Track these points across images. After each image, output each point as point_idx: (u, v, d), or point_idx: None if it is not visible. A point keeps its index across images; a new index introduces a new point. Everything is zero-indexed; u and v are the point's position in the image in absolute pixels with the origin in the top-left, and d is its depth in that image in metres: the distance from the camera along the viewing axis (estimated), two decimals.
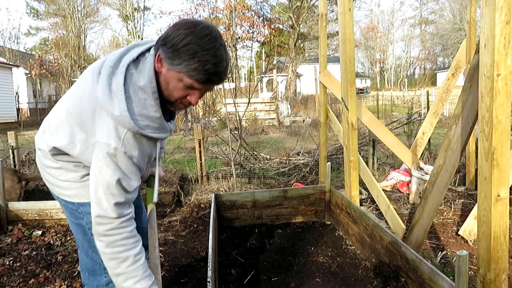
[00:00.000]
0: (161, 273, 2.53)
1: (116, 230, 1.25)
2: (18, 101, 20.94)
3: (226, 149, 5.83)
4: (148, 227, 1.56)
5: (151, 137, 1.28)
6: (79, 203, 1.42)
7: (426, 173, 3.82)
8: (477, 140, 2.00)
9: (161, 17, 48.46)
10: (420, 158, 4.29)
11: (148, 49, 1.29)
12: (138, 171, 1.30)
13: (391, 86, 49.70)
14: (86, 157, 1.29)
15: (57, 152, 1.35)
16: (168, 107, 1.33)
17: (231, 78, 6.99)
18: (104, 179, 1.21)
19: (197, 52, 1.14)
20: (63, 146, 1.31)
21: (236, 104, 5.39)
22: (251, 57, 31.12)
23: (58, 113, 1.35)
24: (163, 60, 1.20)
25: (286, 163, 5.82)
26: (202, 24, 1.18)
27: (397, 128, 7.51)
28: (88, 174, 1.34)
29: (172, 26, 1.20)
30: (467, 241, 2.96)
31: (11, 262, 2.72)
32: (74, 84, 1.38)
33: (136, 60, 1.26)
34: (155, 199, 1.55)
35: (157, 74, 1.25)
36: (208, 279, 1.67)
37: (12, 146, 5.09)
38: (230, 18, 26.77)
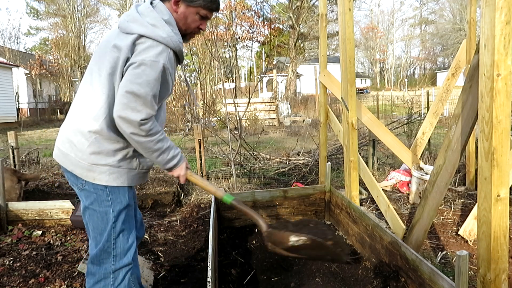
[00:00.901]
0: (161, 273, 2.54)
1: (155, 122, 1.51)
2: (18, 101, 20.94)
3: (226, 149, 5.83)
4: None
5: (180, 59, 1.61)
6: (111, 189, 1.56)
7: (426, 173, 3.82)
8: (477, 140, 2.00)
9: None
10: (420, 158, 4.29)
11: (150, 3, 1.57)
12: (171, 87, 1.59)
13: (391, 86, 49.70)
14: None
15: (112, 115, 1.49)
16: (183, 41, 1.65)
17: (231, 78, 6.99)
18: (152, 90, 1.44)
19: None
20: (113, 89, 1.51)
21: (236, 104, 5.39)
22: (251, 57, 31.13)
23: (87, 90, 1.53)
24: (181, 1, 1.57)
25: (286, 163, 5.82)
26: None
27: (397, 128, 7.51)
28: (123, 158, 1.57)
29: None
30: (467, 241, 2.96)
31: (11, 262, 2.72)
32: (89, 67, 1.57)
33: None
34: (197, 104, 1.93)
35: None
36: (208, 279, 1.67)
37: (12, 146, 5.09)
38: (230, 18, 26.76)
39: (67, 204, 3.44)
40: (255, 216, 1.68)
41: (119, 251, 1.61)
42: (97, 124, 1.49)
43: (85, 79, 1.57)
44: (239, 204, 1.69)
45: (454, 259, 2.67)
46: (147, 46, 1.45)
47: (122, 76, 1.46)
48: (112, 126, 1.51)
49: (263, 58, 28.19)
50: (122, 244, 1.62)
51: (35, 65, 23.94)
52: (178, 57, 1.59)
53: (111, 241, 1.59)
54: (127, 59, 1.45)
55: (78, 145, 1.53)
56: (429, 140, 5.15)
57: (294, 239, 1.62)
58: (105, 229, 1.58)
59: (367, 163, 5.24)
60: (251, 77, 24.89)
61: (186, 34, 1.64)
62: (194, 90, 12.96)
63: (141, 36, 1.46)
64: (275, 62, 28.80)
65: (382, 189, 3.56)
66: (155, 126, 1.49)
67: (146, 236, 3.09)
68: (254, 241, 2.89)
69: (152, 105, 1.45)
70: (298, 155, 6.45)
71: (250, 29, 30.23)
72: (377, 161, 5.48)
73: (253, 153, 6.21)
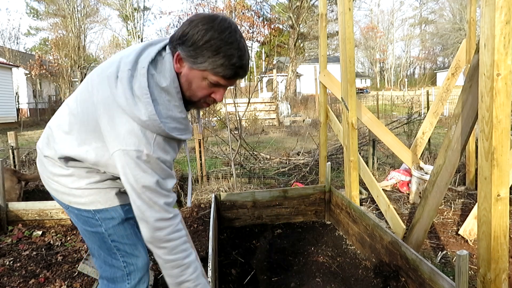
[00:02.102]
0: (161, 273, 2.54)
1: (176, 232, 1.22)
2: (18, 101, 20.94)
3: (226, 149, 5.83)
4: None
5: (179, 139, 1.24)
6: (96, 210, 1.35)
7: (426, 173, 3.81)
8: (477, 140, 2.00)
9: (161, 17, 48.54)
10: (420, 158, 4.29)
11: (163, 48, 1.23)
12: (171, 170, 1.26)
13: (391, 86, 49.69)
14: (103, 163, 1.25)
15: (69, 159, 1.29)
16: (190, 107, 1.30)
17: None
18: (145, 184, 1.16)
19: (221, 47, 1.12)
20: (76, 155, 1.26)
21: (236, 104, 5.39)
22: (251, 57, 31.07)
23: (64, 119, 1.29)
24: (183, 60, 1.17)
25: (286, 163, 5.82)
26: (220, 18, 1.15)
27: (397, 128, 7.51)
28: (102, 180, 1.34)
29: (188, 23, 1.15)
30: (467, 241, 2.96)
31: (11, 262, 2.72)
32: (80, 87, 1.30)
33: (154, 61, 1.20)
34: (189, 203, 1.49)
35: (177, 73, 1.21)
36: (208, 279, 1.67)
37: (12, 146, 5.08)
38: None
39: None
40: None
41: (132, 268, 1.45)
42: (56, 155, 1.29)
43: (69, 106, 1.30)
44: None
45: (454, 259, 2.67)
46: (128, 129, 1.13)
47: (95, 136, 1.21)
48: (70, 159, 1.29)
49: (263, 58, 28.18)
50: (134, 261, 1.45)
51: (35, 65, 23.94)
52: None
53: (118, 259, 1.42)
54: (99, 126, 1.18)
55: (47, 165, 1.35)
56: (429, 140, 5.15)
57: None
58: (107, 248, 1.41)
59: (367, 163, 5.24)
60: (251, 77, 24.90)
61: (194, 101, 1.26)
62: None
63: (123, 109, 1.13)
64: (275, 62, 28.80)
65: (382, 189, 3.56)
66: (176, 239, 1.23)
67: None
68: (254, 241, 2.89)
69: (157, 200, 1.18)
70: (298, 155, 6.45)
71: (250, 29, 30.20)
72: (377, 161, 5.48)
73: (253, 153, 6.22)
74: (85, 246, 2.98)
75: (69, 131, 1.26)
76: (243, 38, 1.18)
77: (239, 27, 1.23)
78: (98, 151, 1.23)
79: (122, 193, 1.40)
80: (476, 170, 2.73)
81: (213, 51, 1.12)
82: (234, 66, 1.15)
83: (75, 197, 1.34)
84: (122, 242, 1.41)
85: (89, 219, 1.37)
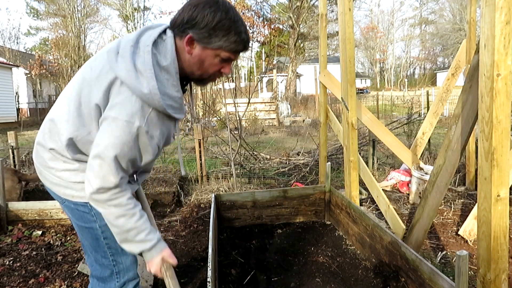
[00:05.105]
0: None
1: (121, 192, 1.25)
2: (18, 101, 20.94)
3: (226, 149, 5.83)
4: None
5: (172, 117, 1.29)
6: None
7: (426, 173, 3.82)
8: (477, 140, 2.00)
9: (161, 17, 48.32)
10: (420, 158, 4.29)
11: (163, 31, 1.29)
12: (157, 150, 1.31)
13: (391, 86, 49.69)
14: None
15: (76, 150, 1.32)
16: (198, 84, 1.40)
17: (231, 78, 6.99)
18: (119, 154, 1.19)
19: (231, 26, 1.23)
20: (80, 139, 1.29)
21: (236, 104, 5.39)
22: (251, 57, 31.04)
23: (64, 107, 1.31)
24: (196, 41, 1.24)
25: (286, 163, 5.83)
26: None
27: (397, 128, 7.51)
28: None
29: (193, 7, 1.22)
30: (467, 241, 2.96)
31: (11, 262, 2.72)
32: (75, 76, 1.34)
33: (155, 42, 1.26)
34: (183, 172, 1.58)
35: (177, 54, 1.27)
36: (208, 279, 1.67)
37: (12, 146, 5.08)
38: None
39: None
40: None
41: (121, 267, 1.47)
42: (62, 147, 1.31)
43: (67, 94, 1.33)
44: None
45: (454, 259, 2.67)
46: (124, 99, 1.18)
47: (92, 118, 1.25)
48: (77, 150, 1.32)
49: (263, 58, 28.18)
50: (123, 260, 1.47)
51: (35, 65, 23.93)
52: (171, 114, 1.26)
53: (108, 258, 1.44)
54: (97, 106, 1.22)
55: (49, 163, 1.35)
56: (429, 140, 5.15)
57: None
58: (98, 246, 1.42)
59: (367, 163, 5.24)
60: (251, 77, 24.89)
61: (203, 79, 1.35)
62: (194, 91, 12.95)
63: (121, 81, 1.19)
64: (275, 62, 28.79)
65: (382, 189, 3.56)
66: (120, 197, 1.24)
67: None
68: (254, 241, 2.89)
69: (116, 173, 1.21)
70: (298, 155, 6.45)
71: (250, 29, 30.20)
72: (377, 161, 5.48)
73: (253, 153, 6.22)
74: None
75: (68, 119, 1.28)
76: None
77: None
78: (95, 133, 1.26)
79: None
80: (476, 170, 2.73)
81: (225, 30, 1.22)
82: (243, 41, 1.27)
83: (78, 191, 1.35)
84: (114, 239, 1.39)
85: (84, 214, 1.38)
